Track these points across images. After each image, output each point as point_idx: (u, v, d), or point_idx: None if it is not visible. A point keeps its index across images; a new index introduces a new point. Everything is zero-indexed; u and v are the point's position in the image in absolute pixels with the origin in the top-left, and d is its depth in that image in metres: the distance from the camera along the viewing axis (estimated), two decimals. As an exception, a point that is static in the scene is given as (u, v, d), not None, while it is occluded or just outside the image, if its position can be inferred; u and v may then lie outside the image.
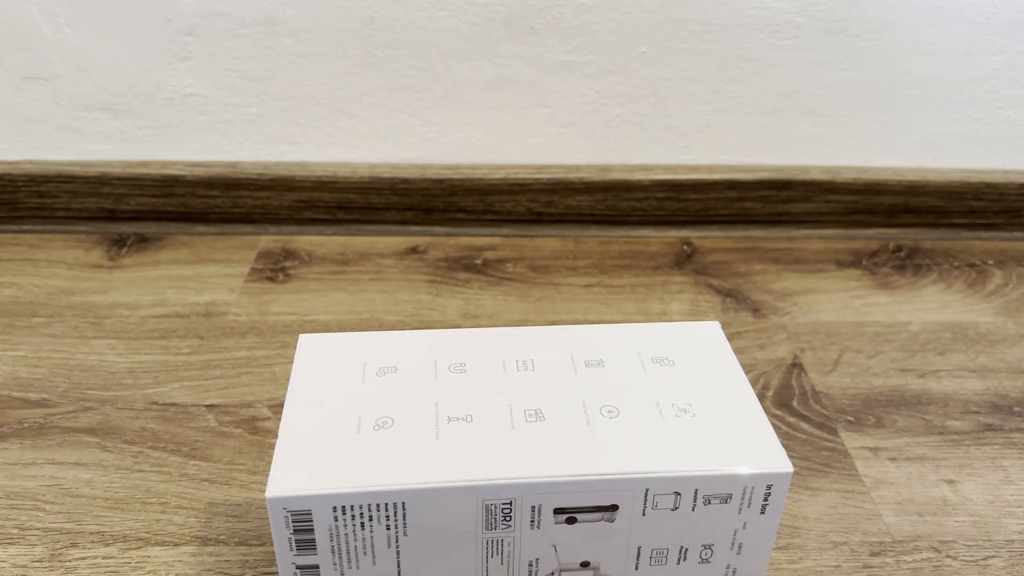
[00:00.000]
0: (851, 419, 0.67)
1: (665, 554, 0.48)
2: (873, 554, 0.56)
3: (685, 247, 0.90)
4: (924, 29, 0.84)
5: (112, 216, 0.90)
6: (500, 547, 0.46)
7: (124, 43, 0.83)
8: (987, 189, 0.91)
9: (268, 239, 0.90)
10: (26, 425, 0.65)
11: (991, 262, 0.89)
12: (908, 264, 0.89)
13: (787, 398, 0.69)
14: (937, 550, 0.57)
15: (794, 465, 0.46)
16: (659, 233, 0.92)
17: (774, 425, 0.65)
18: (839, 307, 0.81)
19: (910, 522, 0.59)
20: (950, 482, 0.62)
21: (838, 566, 0.55)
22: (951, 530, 0.58)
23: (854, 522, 0.59)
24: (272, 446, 0.63)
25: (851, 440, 0.65)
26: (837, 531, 0.58)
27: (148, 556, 0.55)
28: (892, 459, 0.64)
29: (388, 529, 0.44)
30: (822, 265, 0.88)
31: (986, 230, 0.93)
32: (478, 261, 0.87)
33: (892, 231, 0.93)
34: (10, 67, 0.84)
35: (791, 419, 0.67)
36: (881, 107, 0.88)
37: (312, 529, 0.44)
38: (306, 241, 0.90)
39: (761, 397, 0.69)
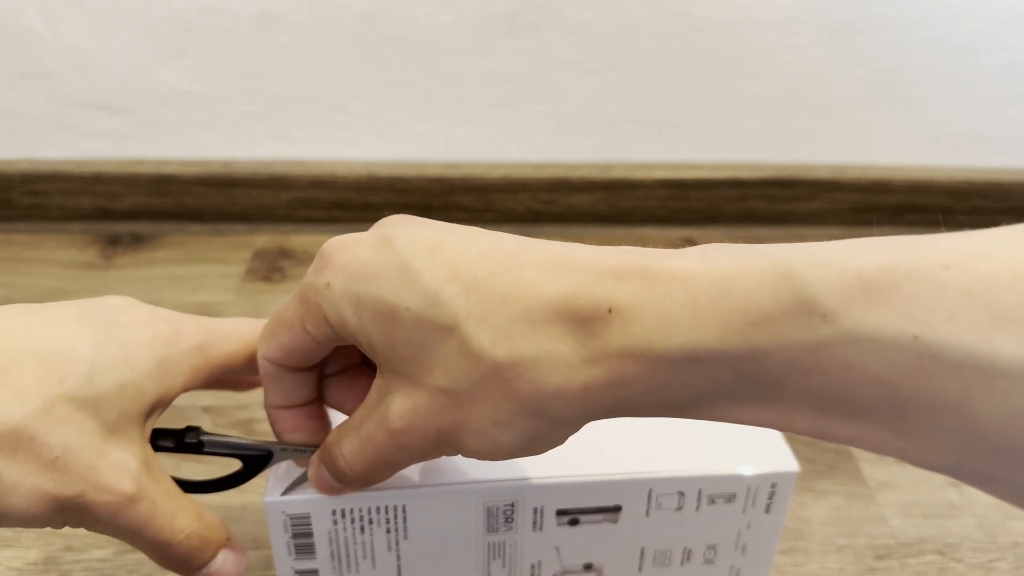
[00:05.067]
0: (855, 420, 0.67)
1: (669, 555, 0.47)
2: (878, 557, 0.56)
3: (688, 246, 0.89)
4: (929, 26, 0.83)
5: (106, 215, 0.90)
6: (502, 550, 0.46)
7: (119, 40, 0.83)
8: (993, 188, 0.91)
9: (264, 238, 0.89)
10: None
11: (995, 262, 0.89)
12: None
13: (791, 399, 0.69)
14: (942, 553, 0.57)
15: (798, 467, 0.45)
16: (661, 232, 0.92)
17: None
18: (842, 307, 0.81)
19: (915, 525, 0.58)
20: (955, 484, 0.61)
21: (842, 569, 0.55)
22: (956, 533, 0.58)
23: (859, 525, 0.58)
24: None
25: (856, 442, 0.65)
26: (842, 534, 0.58)
27: (143, 560, 0.54)
28: (897, 461, 0.63)
29: (388, 533, 0.44)
30: (825, 265, 0.88)
31: (992, 229, 0.93)
32: (477, 260, 0.87)
33: (898, 230, 0.92)
34: (4, 64, 0.83)
35: (795, 420, 0.66)
36: (886, 105, 0.88)
37: (311, 533, 0.43)
38: (302, 240, 0.89)
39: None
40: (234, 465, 0.41)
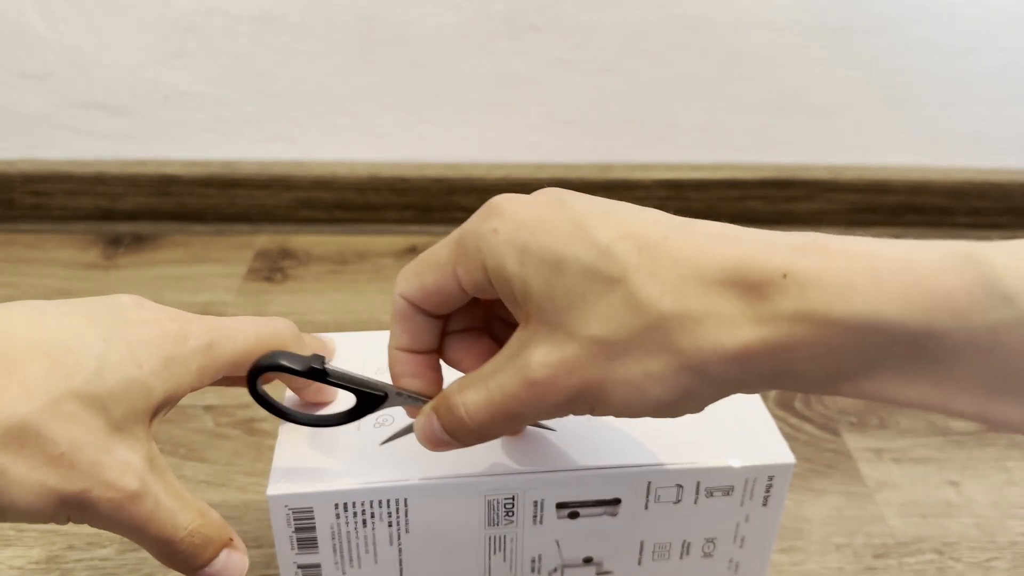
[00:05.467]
0: (854, 420, 0.67)
1: (668, 548, 0.47)
2: (876, 556, 0.56)
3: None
4: (928, 26, 0.84)
5: (108, 215, 0.90)
6: (503, 543, 0.46)
7: (120, 40, 0.83)
8: (992, 188, 0.91)
9: (265, 238, 0.89)
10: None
11: (993, 262, 0.89)
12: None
13: (789, 399, 0.69)
14: (940, 552, 0.57)
15: (797, 467, 0.45)
16: (660, 233, 0.91)
17: (776, 426, 0.65)
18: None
19: (913, 524, 0.58)
20: (953, 484, 0.61)
21: (841, 568, 0.55)
22: (954, 532, 0.58)
23: (857, 524, 0.58)
24: (270, 447, 0.62)
25: (854, 441, 0.65)
26: (840, 533, 0.58)
27: (145, 558, 0.54)
28: (895, 460, 0.63)
29: (390, 526, 0.44)
30: (824, 265, 0.88)
31: (990, 230, 0.93)
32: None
33: (896, 230, 0.93)
34: (5, 65, 0.84)
35: (794, 420, 0.66)
36: (885, 105, 0.88)
37: (314, 527, 0.43)
38: (304, 240, 0.89)
39: (763, 398, 0.68)
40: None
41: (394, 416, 0.47)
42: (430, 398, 0.40)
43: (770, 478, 0.45)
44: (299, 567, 0.45)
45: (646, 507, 0.45)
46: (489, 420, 0.36)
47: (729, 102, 0.87)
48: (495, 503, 0.44)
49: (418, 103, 0.86)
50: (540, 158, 0.89)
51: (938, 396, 0.30)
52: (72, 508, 0.35)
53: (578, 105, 0.87)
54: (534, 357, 0.34)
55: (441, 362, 0.42)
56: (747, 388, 0.33)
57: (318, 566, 0.45)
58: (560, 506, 0.45)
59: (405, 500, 0.43)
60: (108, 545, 0.55)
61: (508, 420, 0.36)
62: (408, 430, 0.41)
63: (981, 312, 0.28)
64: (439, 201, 0.89)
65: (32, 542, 0.55)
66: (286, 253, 0.87)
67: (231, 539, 0.40)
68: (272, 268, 0.85)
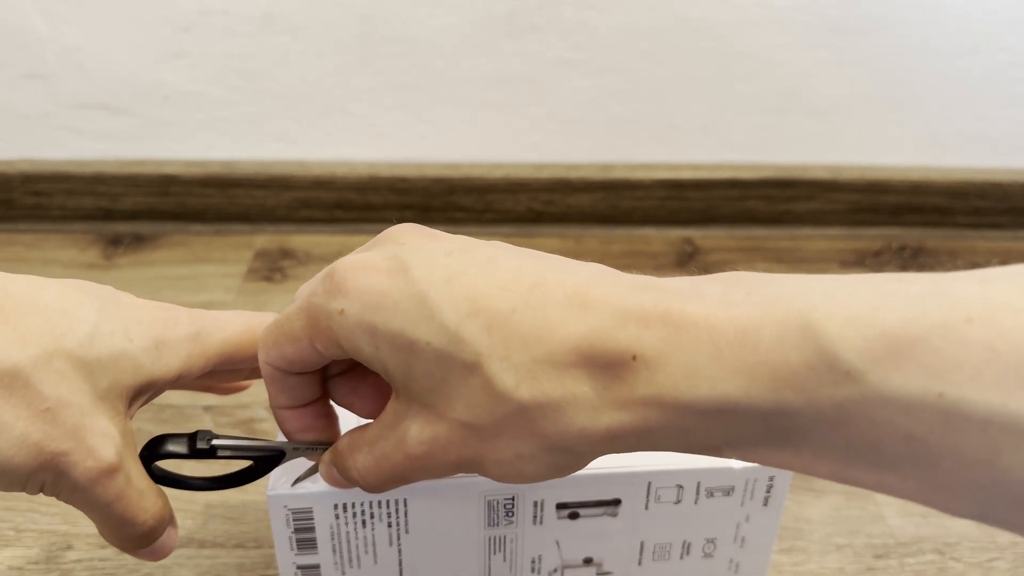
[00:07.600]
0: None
1: (668, 548, 0.47)
2: (877, 556, 0.56)
3: (687, 246, 0.90)
4: (928, 26, 0.83)
5: (108, 215, 0.90)
6: (503, 544, 0.46)
7: (121, 41, 0.83)
8: (991, 188, 0.91)
9: (265, 238, 0.89)
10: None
11: (995, 262, 0.89)
12: (912, 264, 0.88)
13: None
14: (941, 552, 0.57)
15: (798, 467, 0.45)
16: (661, 232, 0.92)
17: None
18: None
19: (914, 524, 0.58)
20: (954, 483, 0.61)
21: (841, 568, 0.55)
22: (955, 532, 0.58)
23: (858, 524, 0.58)
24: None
25: (855, 440, 0.65)
26: (841, 533, 0.58)
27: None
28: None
29: (390, 527, 0.44)
30: (825, 264, 0.88)
31: (990, 229, 0.93)
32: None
33: (896, 230, 0.93)
34: (6, 65, 0.84)
35: (794, 419, 0.66)
36: (885, 105, 0.88)
37: (313, 528, 0.43)
38: (303, 240, 0.89)
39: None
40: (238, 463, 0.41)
41: None
42: (329, 443, 0.40)
43: (771, 478, 0.45)
44: (298, 568, 0.45)
45: (646, 507, 0.45)
46: (381, 482, 0.37)
47: (729, 102, 0.87)
48: (495, 503, 0.44)
49: (418, 103, 0.86)
50: (540, 158, 0.89)
51: (798, 463, 0.30)
52: (48, 472, 0.35)
53: (578, 105, 0.87)
54: (410, 433, 0.34)
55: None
56: (617, 452, 0.33)
57: (317, 567, 0.45)
58: (560, 506, 0.45)
59: (404, 500, 0.43)
60: (108, 546, 0.55)
61: (398, 481, 0.37)
62: (315, 470, 0.41)
63: (826, 389, 0.28)
64: (439, 201, 0.89)
65: (31, 542, 0.55)
66: (286, 253, 0.87)
67: (172, 515, 0.41)
68: (272, 268, 0.85)
